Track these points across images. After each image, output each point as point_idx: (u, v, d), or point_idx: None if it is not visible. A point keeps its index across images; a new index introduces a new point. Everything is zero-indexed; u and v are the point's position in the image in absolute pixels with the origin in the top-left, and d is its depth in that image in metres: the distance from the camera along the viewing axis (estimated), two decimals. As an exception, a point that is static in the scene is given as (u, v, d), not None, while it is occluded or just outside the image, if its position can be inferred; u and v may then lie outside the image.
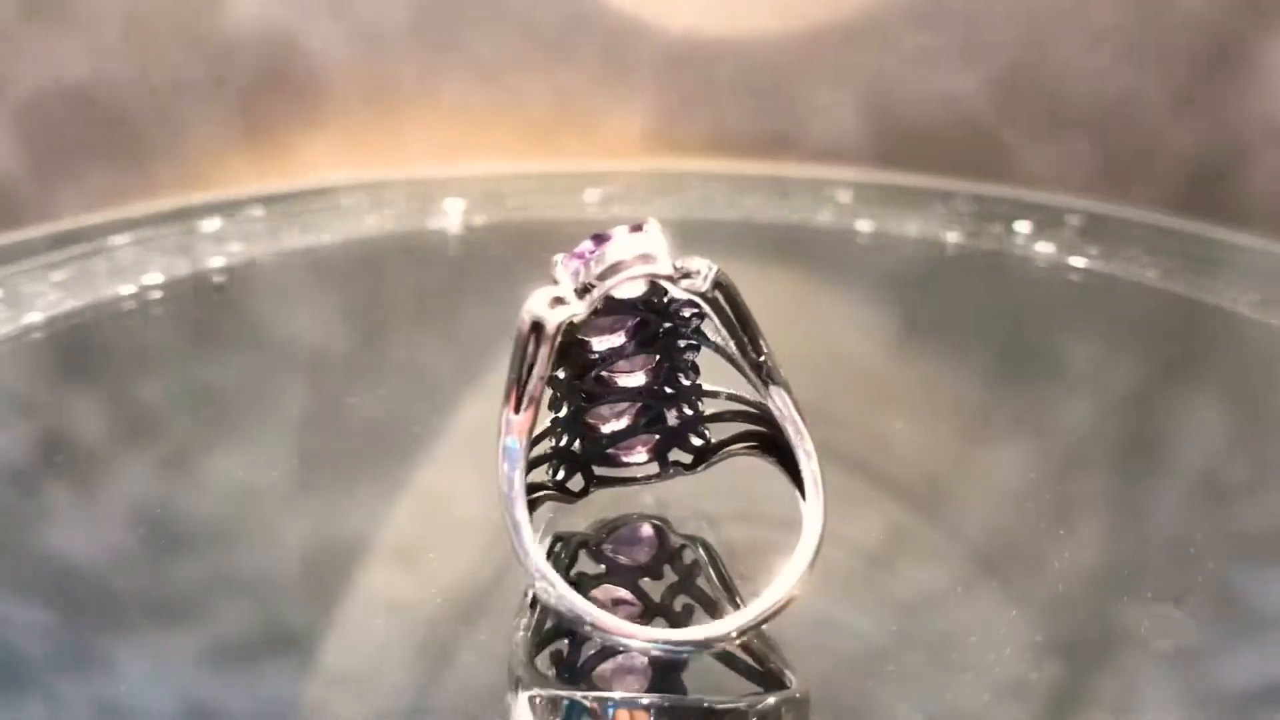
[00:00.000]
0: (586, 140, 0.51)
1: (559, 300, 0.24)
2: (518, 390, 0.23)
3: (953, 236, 0.41)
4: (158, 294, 0.38)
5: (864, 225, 0.42)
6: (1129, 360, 0.37)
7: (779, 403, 0.25)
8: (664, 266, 0.24)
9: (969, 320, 0.39)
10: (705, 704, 0.23)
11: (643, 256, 0.24)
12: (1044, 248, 0.41)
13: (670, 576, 0.26)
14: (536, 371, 0.23)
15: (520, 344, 0.23)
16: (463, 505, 0.30)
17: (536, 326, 0.23)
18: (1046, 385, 0.35)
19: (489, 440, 0.32)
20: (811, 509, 0.24)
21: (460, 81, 0.50)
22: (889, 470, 0.30)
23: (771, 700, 0.23)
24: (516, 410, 0.23)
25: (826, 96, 0.50)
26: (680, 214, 0.43)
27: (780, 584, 0.23)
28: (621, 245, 0.24)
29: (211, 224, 0.41)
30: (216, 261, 0.39)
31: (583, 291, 0.24)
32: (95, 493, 0.29)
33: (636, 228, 0.24)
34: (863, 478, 0.30)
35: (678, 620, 0.25)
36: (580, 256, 0.24)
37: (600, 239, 0.24)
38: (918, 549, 0.28)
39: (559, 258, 0.24)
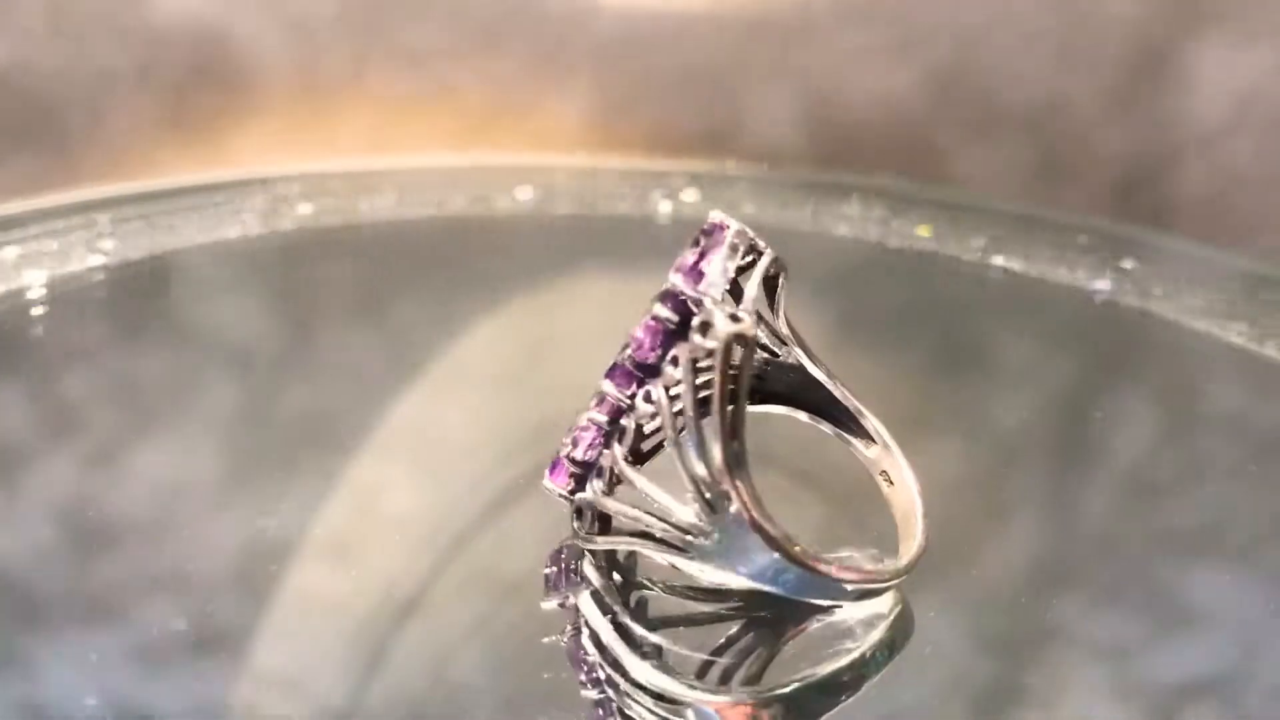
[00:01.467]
0: (521, 133, 0.51)
1: (733, 317, 0.23)
2: (730, 417, 0.22)
3: (885, 236, 0.42)
4: (81, 284, 0.37)
5: (799, 224, 0.43)
6: (1058, 361, 0.37)
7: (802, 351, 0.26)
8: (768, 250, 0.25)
9: (901, 320, 0.39)
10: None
11: (754, 248, 0.25)
12: (976, 249, 0.41)
13: None
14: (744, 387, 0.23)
15: (721, 365, 0.22)
16: (395, 501, 0.29)
17: (742, 340, 0.23)
18: (977, 385, 0.35)
19: (421, 435, 0.32)
20: (898, 457, 0.26)
21: (391, 71, 0.50)
22: (820, 467, 0.31)
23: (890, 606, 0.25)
24: (734, 435, 0.22)
25: (763, 94, 0.50)
26: (617, 209, 0.43)
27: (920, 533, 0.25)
28: (731, 241, 0.24)
29: (136, 214, 0.40)
30: (140, 252, 0.39)
31: (734, 296, 0.24)
32: (16, 489, 0.29)
33: (720, 224, 0.24)
34: (794, 475, 0.30)
35: None
36: (699, 266, 0.24)
37: (705, 245, 0.24)
38: (850, 545, 0.28)
39: (677, 277, 0.24)
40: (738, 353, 0.22)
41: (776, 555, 0.23)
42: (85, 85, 0.49)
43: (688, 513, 0.23)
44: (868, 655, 0.24)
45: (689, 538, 0.23)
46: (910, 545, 0.25)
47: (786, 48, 0.49)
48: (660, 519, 0.23)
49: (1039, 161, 0.49)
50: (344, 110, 0.51)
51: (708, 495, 0.22)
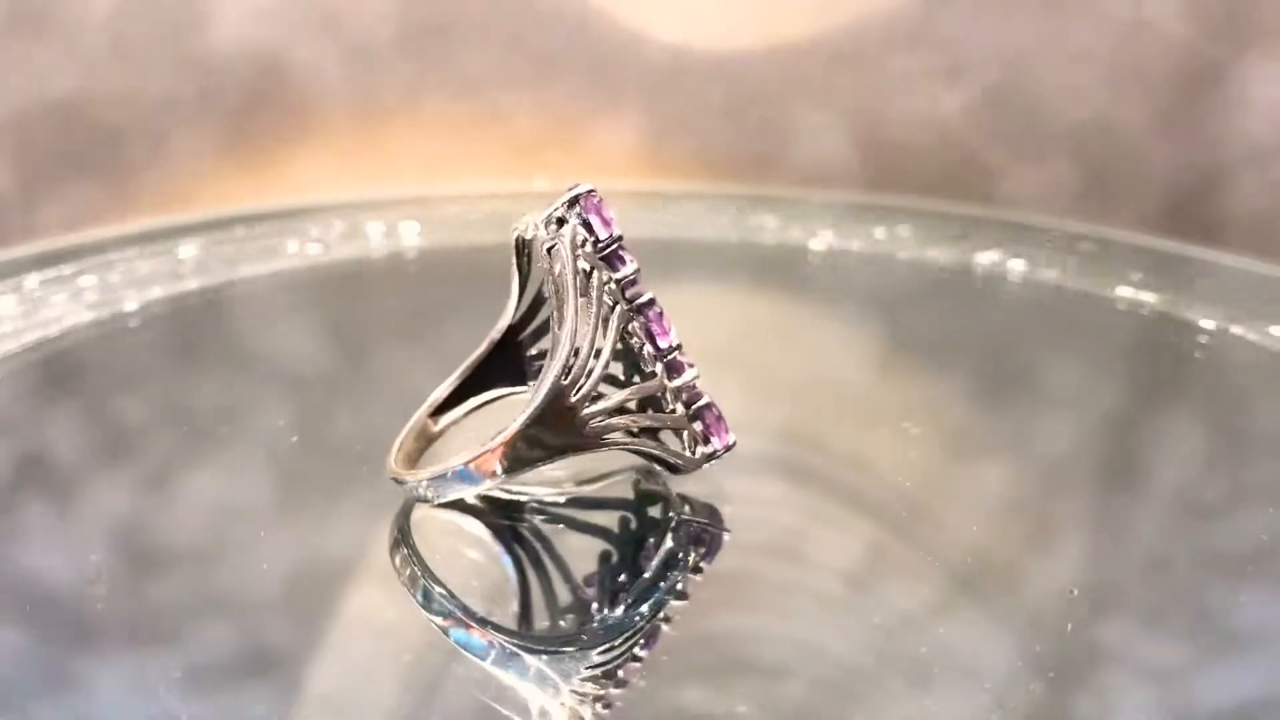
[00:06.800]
0: (573, 157, 0.51)
1: None
2: None
3: (936, 257, 0.42)
4: (141, 312, 0.38)
5: (849, 246, 0.43)
6: (1110, 379, 0.37)
7: None
8: None
9: (952, 340, 0.39)
10: None
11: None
12: (1026, 268, 0.41)
13: None
14: None
15: None
16: (449, 525, 0.29)
17: None
18: (1028, 404, 0.35)
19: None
20: None
21: (447, 97, 0.51)
22: (872, 490, 0.31)
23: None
24: None
25: (812, 118, 0.50)
26: (668, 233, 0.43)
27: None
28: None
29: (196, 242, 0.41)
30: (201, 280, 0.39)
31: None
32: (74, 512, 0.29)
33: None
34: (845, 498, 0.30)
35: None
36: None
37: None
38: (899, 569, 0.28)
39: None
40: None
41: None
42: (146, 113, 0.50)
43: None
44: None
45: None
46: None
47: (834, 72, 0.49)
48: None
49: (1088, 180, 0.49)
50: (400, 135, 0.51)
51: None
